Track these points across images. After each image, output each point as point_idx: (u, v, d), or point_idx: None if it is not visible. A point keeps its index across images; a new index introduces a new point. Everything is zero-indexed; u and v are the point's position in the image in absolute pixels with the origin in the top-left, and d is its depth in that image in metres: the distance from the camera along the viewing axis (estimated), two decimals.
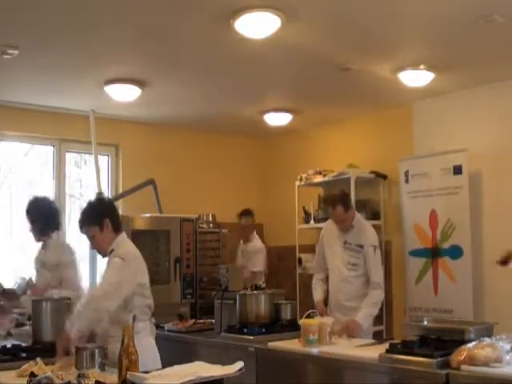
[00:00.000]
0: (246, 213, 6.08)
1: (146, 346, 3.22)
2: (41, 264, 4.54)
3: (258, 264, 5.92)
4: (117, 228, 3.38)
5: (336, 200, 4.37)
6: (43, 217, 4.49)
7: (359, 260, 4.31)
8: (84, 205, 3.55)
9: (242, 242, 6.20)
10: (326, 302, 4.47)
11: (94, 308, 3.08)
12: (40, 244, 4.59)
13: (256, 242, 6.12)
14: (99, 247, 3.39)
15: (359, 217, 4.49)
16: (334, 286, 4.43)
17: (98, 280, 5.79)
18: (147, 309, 3.33)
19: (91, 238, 3.37)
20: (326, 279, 4.55)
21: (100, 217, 3.33)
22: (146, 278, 3.35)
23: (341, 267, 4.37)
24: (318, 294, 4.45)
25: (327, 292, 4.50)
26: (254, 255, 5.98)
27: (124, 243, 3.40)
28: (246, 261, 6.00)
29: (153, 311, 3.39)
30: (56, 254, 4.45)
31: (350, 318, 4.05)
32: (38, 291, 4.35)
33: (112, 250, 3.33)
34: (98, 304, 3.09)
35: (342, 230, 4.41)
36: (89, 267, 6.02)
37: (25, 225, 4.67)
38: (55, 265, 4.42)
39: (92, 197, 5.81)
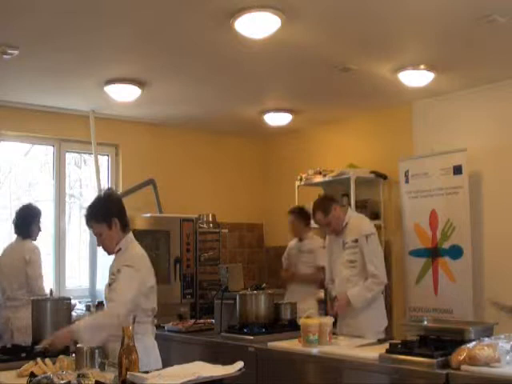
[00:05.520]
0: (293, 211, 5.76)
1: (151, 347, 3.23)
2: None
3: (323, 259, 5.33)
4: (125, 227, 3.31)
5: (314, 208, 4.37)
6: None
7: (356, 255, 4.23)
8: (92, 199, 3.41)
9: (296, 239, 5.80)
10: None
11: (117, 324, 2.86)
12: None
13: (315, 239, 5.66)
14: (106, 245, 3.31)
15: (351, 213, 4.42)
16: (339, 288, 4.37)
17: (98, 278, 5.82)
18: (150, 312, 3.28)
19: (98, 235, 3.29)
20: None
21: (109, 215, 3.25)
22: (153, 280, 3.30)
23: (342, 268, 4.33)
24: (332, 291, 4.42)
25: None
26: (316, 251, 5.53)
27: (132, 245, 3.32)
28: (303, 257, 5.65)
29: (155, 314, 3.35)
30: None
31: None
32: None
33: (119, 249, 3.28)
34: (120, 321, 2.91)
35: (334, 233, 4.36)
36: (89, 267, 6.02)
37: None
38: None
39: (95, 195, 5.79)
